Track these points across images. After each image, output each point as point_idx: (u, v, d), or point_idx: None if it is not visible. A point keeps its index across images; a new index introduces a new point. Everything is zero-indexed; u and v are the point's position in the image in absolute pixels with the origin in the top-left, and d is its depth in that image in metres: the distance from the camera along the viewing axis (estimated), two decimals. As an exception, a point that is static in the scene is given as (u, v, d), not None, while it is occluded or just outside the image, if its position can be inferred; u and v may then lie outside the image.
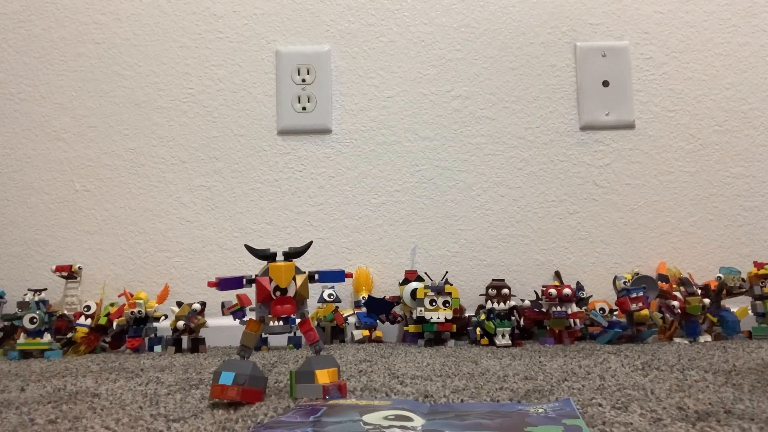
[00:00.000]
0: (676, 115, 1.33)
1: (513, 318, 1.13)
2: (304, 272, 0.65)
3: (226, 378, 0.58)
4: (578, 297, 1.12)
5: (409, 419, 0.47)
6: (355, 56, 1.35)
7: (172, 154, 1.33)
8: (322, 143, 1.33)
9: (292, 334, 1.12)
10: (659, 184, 1.31)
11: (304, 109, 1.32)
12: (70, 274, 1.24)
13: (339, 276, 0.66)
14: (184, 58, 1.34)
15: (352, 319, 1.20)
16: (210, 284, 0.64)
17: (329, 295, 1.20)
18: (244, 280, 0.65)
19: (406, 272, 1.23)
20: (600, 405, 0.54)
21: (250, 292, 0.67)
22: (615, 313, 1.15)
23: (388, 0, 1.35)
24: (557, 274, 1.28)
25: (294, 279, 0.63)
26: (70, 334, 1.11)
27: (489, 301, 1.13)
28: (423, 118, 1.33)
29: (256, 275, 0.64)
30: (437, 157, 1.33)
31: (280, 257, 0.65)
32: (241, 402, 0.58)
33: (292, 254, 0.66)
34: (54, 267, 1.24)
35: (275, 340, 1.15)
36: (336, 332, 1.18)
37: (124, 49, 1.35)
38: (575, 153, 1.32)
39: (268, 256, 0.65)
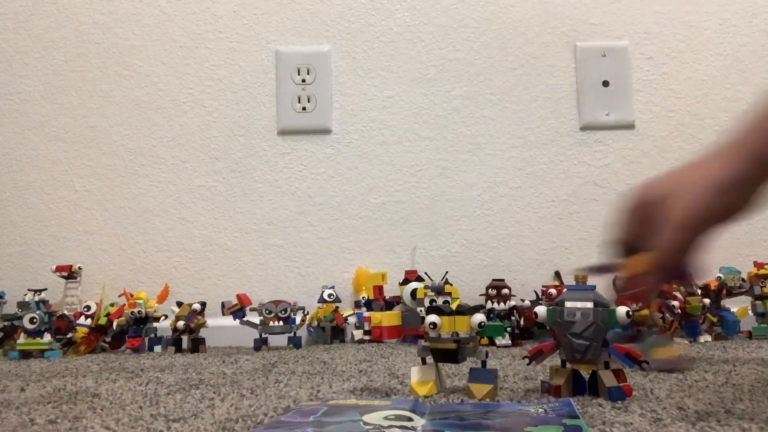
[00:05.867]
0: (676, 115, 1.33)
1: (513, 318, 1.13)
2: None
3: None
4: (578, 297, 1.11)
5: (409, 419, 0.47)
6: (355, 56, 1.34)
7: (172, 154, 1.33)
8: (322, 143, 1.33)
9: (292, 334, 1.12)
10: (659, 184, 1.31)
11: (304, 109, 1.32)
12: (70, 274, 1.24)
13: None
14: (184, 58, 1.34)
15: (352, 319, 1.19)
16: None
17: (329, 295, 1.20)
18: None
19: (406, 272, 1.23)
20: (600, 405, 0.54)
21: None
22: (615, 313, 1.14)
23: (388, 0, 1.35)
24: (557, 274, 1.28)
25: None
26: (70, 334, 1.11)
27: (489, 301, 1.13)
28: (423, 118, 1.33)
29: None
30: (437, 157, 1.32)
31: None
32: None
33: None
34: (54, 267, 1.24)
35: (275, 340, 1.15)
36: (336, 332, 1.18)
37: (124, 49, 1.35)
38: (575, 153, 1.32)
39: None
